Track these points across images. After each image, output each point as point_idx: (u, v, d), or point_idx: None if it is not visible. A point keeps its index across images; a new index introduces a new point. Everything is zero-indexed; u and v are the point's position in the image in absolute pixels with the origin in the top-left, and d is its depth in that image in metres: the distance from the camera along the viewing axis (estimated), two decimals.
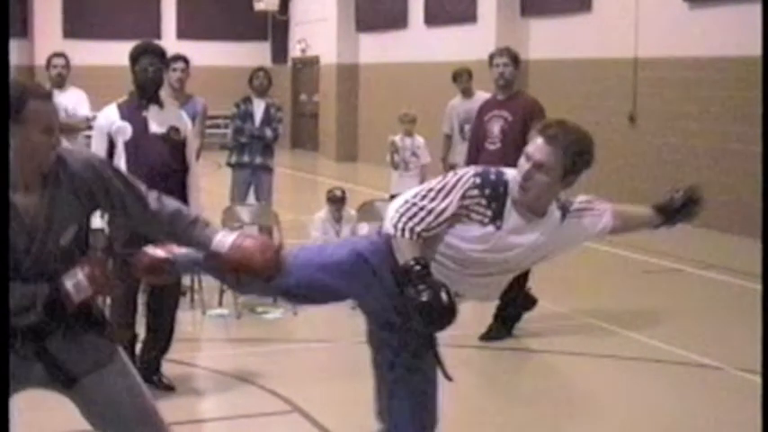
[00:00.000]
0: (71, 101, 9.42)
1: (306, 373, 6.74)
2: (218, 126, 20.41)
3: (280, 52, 25.18)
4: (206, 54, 21.31)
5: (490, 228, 3.64)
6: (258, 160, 9.66)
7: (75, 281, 3.20)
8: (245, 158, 9.68)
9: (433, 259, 3.67)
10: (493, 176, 3.66)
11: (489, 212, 3.63)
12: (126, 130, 5.95)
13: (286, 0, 24.34)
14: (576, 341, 7.38)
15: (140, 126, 5.96)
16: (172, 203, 3.43)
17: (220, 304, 8.02)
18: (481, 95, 9.45)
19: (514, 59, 7.54)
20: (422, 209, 3.60)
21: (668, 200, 4.01)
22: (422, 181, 8.46)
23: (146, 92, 6.02)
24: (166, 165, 5.92)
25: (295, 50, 24.46)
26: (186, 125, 6.19)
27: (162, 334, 6.11)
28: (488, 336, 7.31)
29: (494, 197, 3.63)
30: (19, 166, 3.13)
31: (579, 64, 15.03)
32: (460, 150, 9.57)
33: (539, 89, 12.59)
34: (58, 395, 3.39)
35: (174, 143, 6.01)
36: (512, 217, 3.65)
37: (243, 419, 5.92)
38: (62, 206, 3.24)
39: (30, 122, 3.12)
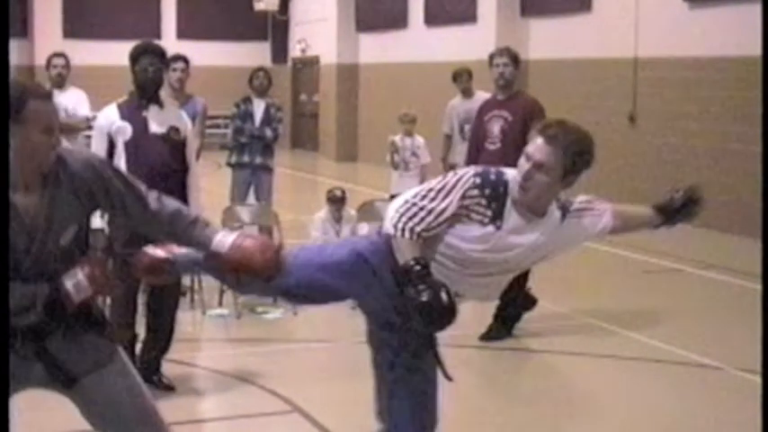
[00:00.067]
0: (71, 101, 9.42)
1: (306, 373, 6.74)
2: (218, 126, 20.41)
3: (280, 52, 25.18)
4: (206, 54, 21.31)
5: (490, 228, 3.64)
6: (258, 160, 9.66)
7: (76, 281, 3.20)
8: (245, 158, 9.68)
9: (433, 259, 3.67)
10: (493, 176, 3.66)
11: (489, 212, 3.63)
12: (126, 130, 5.95)
13: (286, 0, 24.35)
14: (576, 341, 7.38)
15: (140, 126, 5.96)
16: (172, 203, 3.43)
17: (220, 304, 8.02)
18: (481, 95, 9.44)
19: (514, 59, 7.55)
20: (422, 209, 3.61)
21: (668, 200, 4.01)
22: (422, 181, 8.46)
23: (146, 92, 6.01)
24: (166, 165, 5.92)
25: (295, 50, 24.46)
26: (186, 125, 6.19)
27: (162, 334, 6.11)
28: (488, 336, 7.32)
29: (494, 197, 3.63)
30: (19, 166, 3.13)
31: (579, 64, 15.03)
32: (460, 150, 9.57)
33: (539, 89, 12.59)
34: (58, 395, 3.39)
35: (174, 143, 6.01)
36: (512, 217, 3.65)
37: (243, 419, 5.92)
38: (62, 206, 3.24)
39: (30, 122, 3.12)
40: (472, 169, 3.71)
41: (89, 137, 6.74)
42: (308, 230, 9.00)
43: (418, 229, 3.59)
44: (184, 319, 7.14)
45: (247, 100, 9.78)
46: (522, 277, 6.94)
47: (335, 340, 7.35)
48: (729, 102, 12.42)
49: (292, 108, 24.12)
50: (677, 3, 13.20)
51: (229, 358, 7.06)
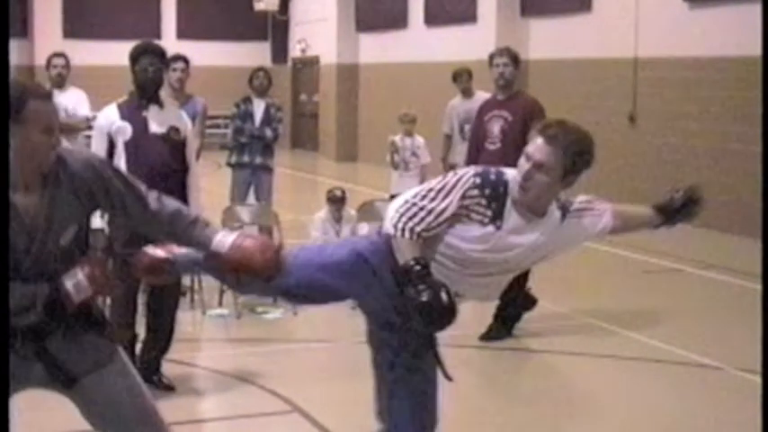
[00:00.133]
0: (71, 101, 9.42)
1: (306, 373, 6.74)
2: (218, 126, 20.41)
3: (280, 52, 25.18)
4: (206, 54, 21.31)
5: (490, 228, 3.64)
6: (258, 160, 9.66)
7: (76, 281, 3.20)
8: (245, 158, 9.68)
9: (432, 259, 3.67)
10: (493, 176, 3.66)
11: (489, 212, 3.63)
12: (126, 130, 5.95)
13: (286, 0, 24.35)
14: (576, 341, 7.38)
15: (140, 126, 5.96)
16: (172, 203, 3.43)
17: (220, 304, 8.02)
18: (481, 95, 9.44)
19: (514, 59, 7.55)
20: (422, 209, 3.61)
21: (668, 200, 4.01)
22: (422, 181, 8.45)
23: (146, 92, 6.01)
24: (166, 165, 5.92)
25: (295, 50, 24.46)
26: (186, 125, 6.19)
27: (162, 334, 6.11)
28: (488, 336, 7.31)
29: (494, 197, 3.63)
30: (19, 166, 3.13)
31: (579, 64, 15.03)
32: (460, 150, 9.57)
33: (539, 89, 12.59)
34: (58, 395, 3.39)
35: (174, 143, 6.01)
36: (512, 217, 3.65)
37: (243, 419, 5.92)
38: (62, 206, 3.23)
39: (30, 122, 3.11)
40: (472, 169, 3.71)
41: (89, 137, 6.74)
42: (308, 230, 9.00)
43: (418, 229, 3.59)
44: (184, 319, 7.14)
45: (247, 100, 9.78)
46: (522, 277, 6.94)
47: (336, 340, 7.35)
48: (729, 102, 12.42)
49: (292, 108, 24.11)
50: (677, 3, 13.20)
51: (229, 358, 7.06)
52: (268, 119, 9.65)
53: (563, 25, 15.51)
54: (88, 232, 3.42)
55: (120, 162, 5.86)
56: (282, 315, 7.91)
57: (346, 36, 21.69)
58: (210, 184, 10.46)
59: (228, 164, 9.94)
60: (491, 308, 7.27)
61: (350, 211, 8.79)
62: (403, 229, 3.59)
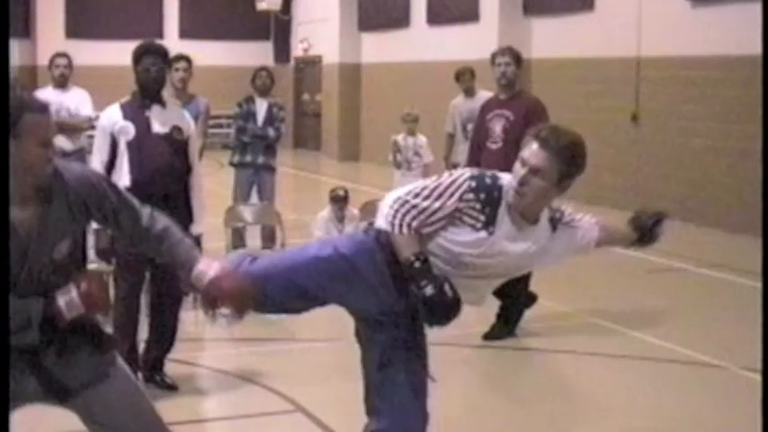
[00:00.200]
0: (74, 101, 9.41)
1: (309, 373, 6.74)
2: (220, 126, 20.39)
3: (282, 52, 25.18)
4: (208, 54, 21.31)
5: (482, 233, 3.65)
6: (261, 160, 9.66)
7: (69, 298, 3.19)
8: (248, 158, 9.68)
9: None
10: (488, 180, 3.67)
11: (482, 217, 3.64)
12: (129, 129, 5.95)
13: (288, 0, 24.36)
14: (577, 340, 7.38)
15: (143, 126, 5.96)
16: (163, 221, 3.45)
17: None
18: (484, 95, 9.45)
19: (516, 58, 7.54)
20: (414, 207, 3.62)
21: (640, 218, 4.11)
22: None
23: (148, 92, 6.02)
24: (169, 164, 5.92)
25: (297, 50, 24.46)
26: (189, 125, 6.19)
27: (165, 333, 6.11)
28: (491, 335, 7.31)
29: (488, 201, 3.64)
30: (15, 179, 3.11)
31: (582, 63, 15.03)
32: (463, 150, 9.56)
33: (541, 88, 12.60)
34: None
35: (177, 143, 6.01)
36: (504, 223, 3.66)
37: (246, 419, 5.92)
38: (56, 220, 3.23)
39: (26, 135, 3.11)
40: (467, 171, 3.72)
41: (92, 137, 6.74)
42: (310, 230, 9.00)
43: (415, 224, 3.61)
44: (187, 318, 7.13)
45: (250, 99, 9.78)
46: (525, 277, 6.95)
47: (338, 339, 7.33)
48: (732, 100, 12.41)
49: (295, 108, 24.11)
50: (680, 2, 13.20)
51: (232, 358, 7.06)
52: (270, 118, 9.65)
53: (565, 24, 15.50)
54: (85, 246, 3.44)
55: (123, 162, 5.87)
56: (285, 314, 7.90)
57: (349, 35, 21.69)
58: (213, 183, 10.48)
59: (231, 163, 9.94)
60: (493, 308, 7.27)
61: (352, 210, 8.79)
62: (400, 225, 3.60)
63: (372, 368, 3.89)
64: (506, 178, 3.69)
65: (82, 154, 8.89)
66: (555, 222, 3.79)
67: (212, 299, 3.38)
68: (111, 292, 5.40)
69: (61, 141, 8.49)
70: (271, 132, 9.62)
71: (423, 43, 19.20)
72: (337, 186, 9.13)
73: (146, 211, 3.41)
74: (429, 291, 3.53)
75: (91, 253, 6.39)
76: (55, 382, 3.28)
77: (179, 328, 6.24)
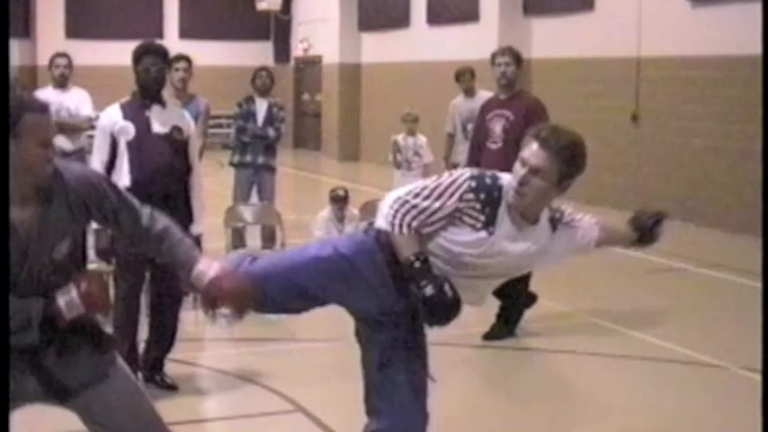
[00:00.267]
0: (74, 101, 9.42)
1: (309, 373, 6.74)
2: (220, 126, 20.38)
3: (282, 52, 25.18)
4: (208, 54, 21.31)
5: (482, 233, 3.65)
6: (261, 160, 9.66)
7: (69, 298, 3.19)
8: (248, 158, 9.68)
9: None
10: (488, 180, 3.67)
11: (482, 217, 3.64)
12: (129, 129, 5.95)
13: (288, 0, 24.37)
14: (577, 340, 7.38)
15: (143, 126, 5.96)
16: (163, 221, 3.45)
17: None
18: (484, 95, 9.45)
19: (516, 58, 7.54)
20: (414, 206, 3.63)
21: (640, 217, 4.10)
22: None
23: (148, 92, 6.02)
24: (169, 164, 5.92)
25: (297, 50, 24.46)
26: (189, 125, 6.19)
27: (165, 333, 6.11)
28: (491, 335, 7.31)
29: (488, 202, 3.64)
30: (15, 179, 3.12)
31: (582, 63, 15.03)
32: (463, 150, 9.56)
33: (541, 88, 12.60)
34: None
35: (177, 143, 6.01)
36: (504, 223, 3.67)
37: (246, 419, 5.92)
38: (56, 220, 3.23)
39: (26, 135, 3.11)
40: (467, 171, 3.72)
41: (92, 137, 6.74)
42: (310, 230, 9.00)
43: (414, 224, 3.61)
44: (187, 318, 7.13)
45: (250, 99, 9.78)
46: (525, 277, 6.95)
47: (339, 339, 7.32)
48: (732, 100, 12.42)
49: (295, 108, 24.12)
50: (680, 2, 13.20)
51: (232, 358, 7.06)
52: (270, 118, 9.66)
53: (565, 24, 15.50)
54: (85, 246, 3.44)
55: (123, 162, 5.87)
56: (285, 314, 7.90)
57: (349, 35, 21.69)
58: (213, 183, 10.48)
59: (231, 163, 9.94)
60: (493, 308, 7.27)
61: (353, 210, 8.79)
62: (401, 225, 3.61)
63: (372, 368, 3.89)
64: (506, 178, 3.69)
65: (82, 154, 8.89)
66: (555, 222, 3.79)
67: (212, 299, 3.38)
68: (111, 292, 5.41)
69: (61, 141, 8.49)
70: (271, 132, 9.62)
71: (423, 43, 19.20)
72: (337, 186, 9.13)
73: (146, 211, 3.41)
74: (429, 291, 3.53)
75: (91, 253, 6.42)
76: (55, 382, 3.28)
77: (179, 328, 6.23)
